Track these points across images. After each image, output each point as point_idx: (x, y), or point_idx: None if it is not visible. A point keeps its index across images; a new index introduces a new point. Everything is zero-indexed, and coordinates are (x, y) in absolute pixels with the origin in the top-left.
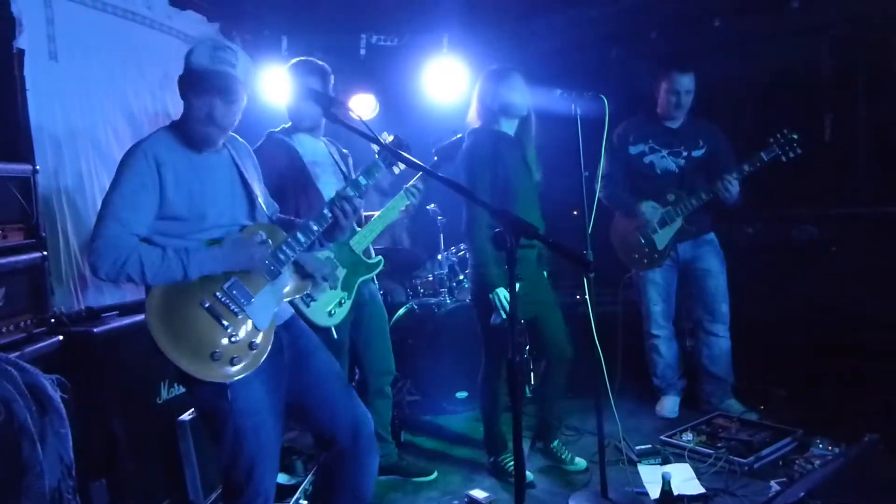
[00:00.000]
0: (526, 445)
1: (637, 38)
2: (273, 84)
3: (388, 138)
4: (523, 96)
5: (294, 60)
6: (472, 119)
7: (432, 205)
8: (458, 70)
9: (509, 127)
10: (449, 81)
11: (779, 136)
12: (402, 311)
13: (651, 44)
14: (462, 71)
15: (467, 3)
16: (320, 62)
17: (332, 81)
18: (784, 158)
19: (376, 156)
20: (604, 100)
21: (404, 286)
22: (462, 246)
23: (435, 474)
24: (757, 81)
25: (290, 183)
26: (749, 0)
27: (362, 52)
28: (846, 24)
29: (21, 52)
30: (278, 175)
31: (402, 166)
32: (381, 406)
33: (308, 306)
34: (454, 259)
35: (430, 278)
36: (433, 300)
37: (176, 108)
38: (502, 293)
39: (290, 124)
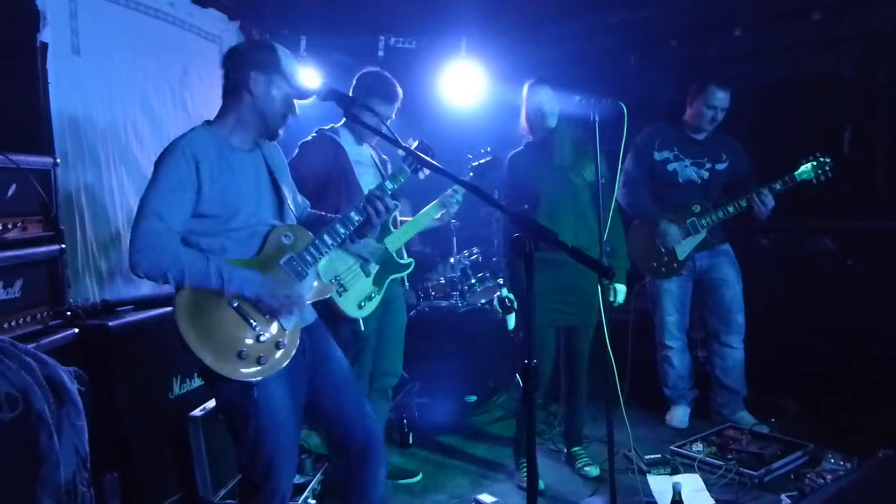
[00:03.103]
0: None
1: (656, 47)
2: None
3: (413, 144)
4: (550, 106)
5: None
6: (522, 128)
7: None
8: (475, 74)
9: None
10: (467, 85)
11: (811, 158)
12: (412, 313)
13: (670, 52)
14: (480, 75)
15: (486, 7)
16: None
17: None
18: (815, 182)
19: (403, 161)
20: (623, 107)
21: (416, 289)
22: (475, 249)
23: (420, 476)
24: (776, 92)
25: (335, 179)
26: (770, 11)
27: (380, 53)
28: (867, 37)
29: (45, 46)
30: (325, 170)
31: (428, 171)
32: (380, 406)
33: (340, 296)
34: (466, 262)
35: (442, 281)
36: (444, 303)
37: (195, 105)
38: None
39: (342, 122)
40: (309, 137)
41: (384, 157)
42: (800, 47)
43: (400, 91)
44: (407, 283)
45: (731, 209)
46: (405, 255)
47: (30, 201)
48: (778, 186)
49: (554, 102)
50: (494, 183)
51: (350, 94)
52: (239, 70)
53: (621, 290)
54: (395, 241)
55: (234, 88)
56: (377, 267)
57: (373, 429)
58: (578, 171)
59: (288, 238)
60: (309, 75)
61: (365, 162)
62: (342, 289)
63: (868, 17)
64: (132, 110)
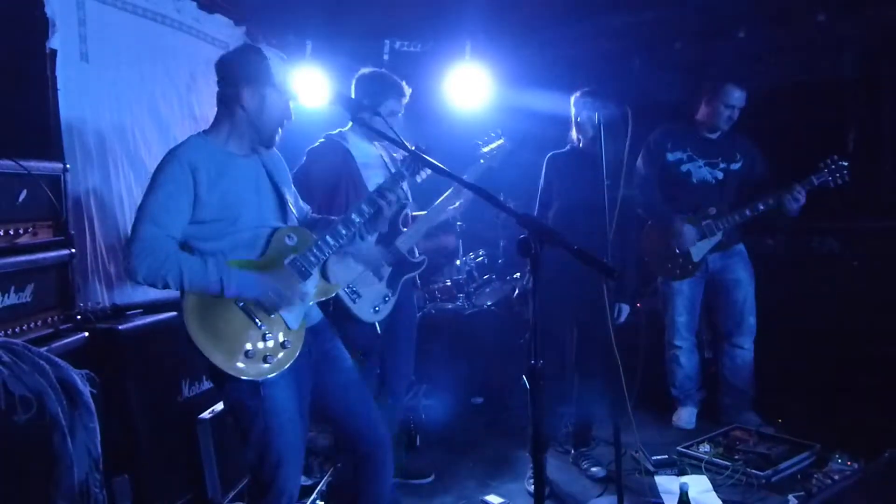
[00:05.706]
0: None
1: (661, 48)
2: (298, 87)
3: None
4: (588, 115)
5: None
6: (571, 134)
7: None
8: (480, 77)
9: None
10: (471, 88)
11: (829, 161)
12: (419, 315)
13: (675, 54)
14: (485, 78)
15: (491, 10)
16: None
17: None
18: (832, 185)
19: (400, 165)
20: (628, 110)
21: (422, 291)
22: (481, 251)
23: (432, 476)
24: (780, 93)
25: (343, 184)
26: (774, 12)
27: (386, 57)
28: (871, 37)
29: (53, 53)
30: (333, 176)
31: (424, 175)
32: (393, 407)
33: (354, 302)
34: (472, 265)
35: (448, 283)
36: (450, 305)
37: (202, 110)
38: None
39: (348, 127)
40: (317, 143)
41: (395, 154)
42: (804, 48)
43: (405, 84)
44: (419, 282)
45: (747, 212)
46: (416, 253)
47: (40, 206)
48: (806, 187)
49: (594, 115)
50: (505, 169)
51: (358, 99)
52: (230, 84)
53: (625, 309)
54: (406, 241)
55: (226, 101)
56: (390, 269)
57: (380, 430)
58: (613, 185)
59: (291, 239)
60: (315, 80)
61: (374, 164)
62: (356, 295)
63: (872, 17)
64: (140, 116)
